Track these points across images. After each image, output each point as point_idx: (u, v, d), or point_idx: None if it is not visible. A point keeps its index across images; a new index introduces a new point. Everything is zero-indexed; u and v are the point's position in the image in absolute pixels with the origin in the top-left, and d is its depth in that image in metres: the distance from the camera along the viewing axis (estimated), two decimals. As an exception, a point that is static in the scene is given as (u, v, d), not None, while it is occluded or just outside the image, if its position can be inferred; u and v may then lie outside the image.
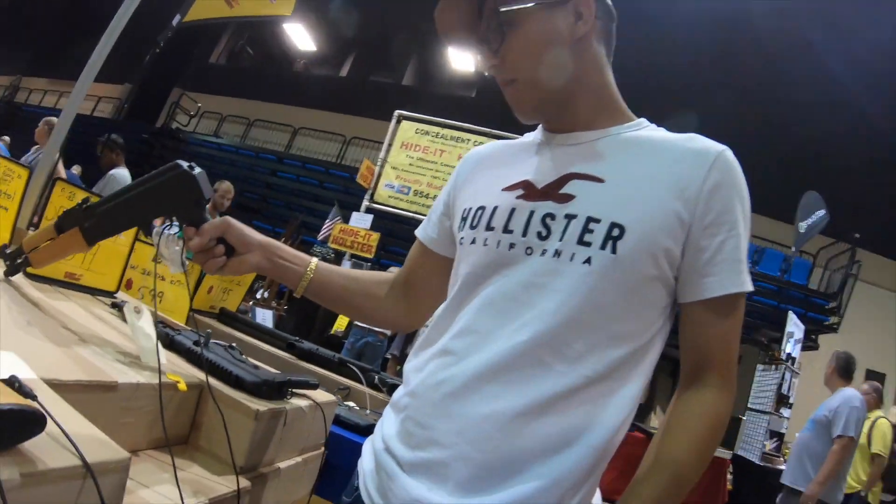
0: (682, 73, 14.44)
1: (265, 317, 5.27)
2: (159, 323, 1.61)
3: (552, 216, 1.01)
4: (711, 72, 14.33)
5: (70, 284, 1.89)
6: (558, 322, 0.96)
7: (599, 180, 1.02)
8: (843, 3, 12.46)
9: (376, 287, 1.35)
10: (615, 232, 0.96)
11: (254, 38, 22.01)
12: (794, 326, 8.45)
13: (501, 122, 7.82)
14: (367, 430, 1.46)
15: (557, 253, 0.99)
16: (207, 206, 1.23)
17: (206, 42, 21.12)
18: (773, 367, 7.75)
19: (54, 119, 5.93)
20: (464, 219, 1.14)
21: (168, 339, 1.52)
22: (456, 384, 0.99)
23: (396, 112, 9.22)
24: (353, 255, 8.51)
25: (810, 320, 11.38)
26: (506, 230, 1.05)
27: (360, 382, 2.31)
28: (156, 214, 1.22)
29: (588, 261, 0.96)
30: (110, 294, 1.99)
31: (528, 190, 1.07)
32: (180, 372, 1.27)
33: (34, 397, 0.71)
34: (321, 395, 1.55)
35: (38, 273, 1.78)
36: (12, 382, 0.73)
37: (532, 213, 1.03)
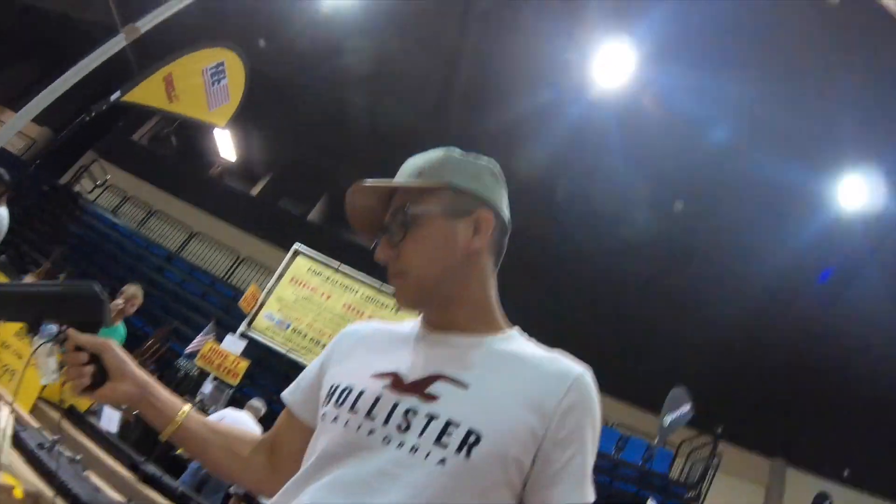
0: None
1: (112, 419, 5.00)
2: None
3: (414, 412, 1.04)
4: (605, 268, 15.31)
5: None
6: None
7: (464, 385, 1.06)
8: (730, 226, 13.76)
9: (241, 446, 1.31)
10: (472, 438, 0.99)
11: (181, 129, 21.82)
12: None
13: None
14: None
15: (414, 448, 1.01)
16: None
17: (135, 117, 20.77)
18: None
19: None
20: (330, 394, 1.15)
21: (13, 432, 1.46)
22: None
23: (295, 245, 9.39)
24: (216, 378, 8.37)
25: None
26: (368, 416, 1.06)
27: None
28: (50, 318, 1.18)
29: (443, 461, 0.99)
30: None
31: (396, 382, 1.09)
32: (20, 475, 1.30)
33: None
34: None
35: None
36: None
37: (396, 404, 1.06)
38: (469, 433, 1.00)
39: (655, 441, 12.51)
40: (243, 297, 9.21)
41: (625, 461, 13.20)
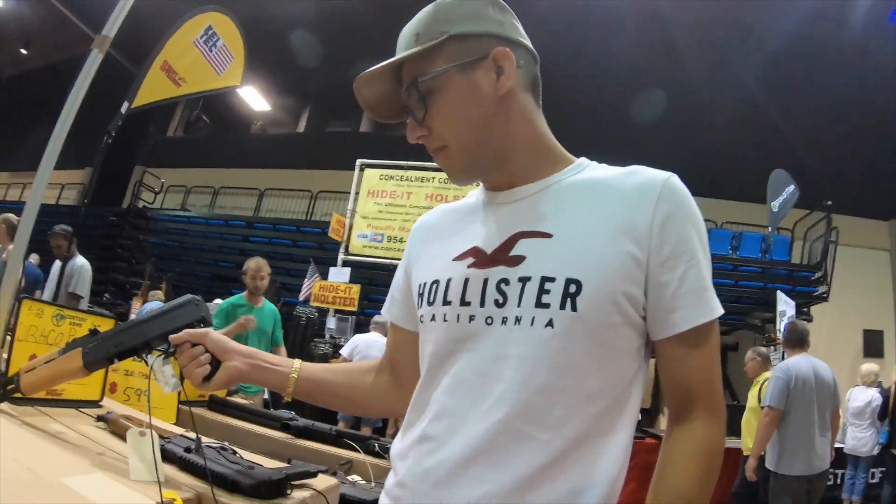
0: (630, 69, 14.70)
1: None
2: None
3: (506, 281, 0.98)
4: (657, 67, 14.55)
5: (53, 401, 1.86)
6: (531, 392, 0.93)
7: (547, 235, 0.99)
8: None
9: (363, 376, 1.31)
10: (572, 288, 0.93)
11: (208, 106, 21.94)
12: (785, 304, 8.51)
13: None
14: (375, 506, 1.44)
15: (518, 320, 0.95)
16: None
17: (161, 116, 21.07)
18: (772, 347, 7.72)
19: (12, 216, 5.89)
20: (420, 295, 1.11)
21: (158, 448, 1.49)
22: (441, 472, 0.96)
23: (358, 161, 9.26)
24: (336, 311, 8.46)
25: (799, 294, 11.47)
26: (463, 302, 1.02)
27: (360, 453, 2.27)
28: (157, 337, 1.27)
29: (550, 323, 0.93)
30: (95, 404, 1.96)
31: (479, 257, 1.04)
32: (175, 485, 1.25)
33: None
34: (323, 482, 1.52)
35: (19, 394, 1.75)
36: None
37: (486, 280, 1.00)
38: (568, 283, 0.93)
39: (769, 230, 12.22)
40: (330, 228, 9.15)
41: (744, 258, 12.92)
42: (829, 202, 12.15)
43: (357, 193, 9.26)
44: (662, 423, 11.75)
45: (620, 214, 0.97)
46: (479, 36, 1.03)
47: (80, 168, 18.08)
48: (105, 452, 1.46)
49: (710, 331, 0.99)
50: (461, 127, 1.03)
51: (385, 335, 6.95)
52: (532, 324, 0.94)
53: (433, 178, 9.00)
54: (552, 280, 0.94)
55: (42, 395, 1.85)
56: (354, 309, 8.34)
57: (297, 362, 1.27)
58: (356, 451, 2.29)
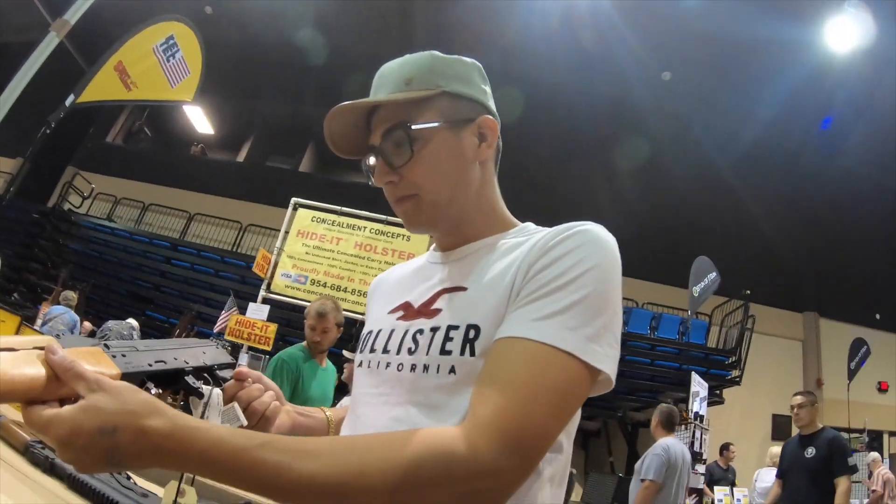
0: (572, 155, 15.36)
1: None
2: (39, 443, 1.48)
3: (421, 331, 0.99)
4: (597, 152, 15.25)
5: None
6: None
7: (463, 289, 1.01)
8: (717, 88, 13.55)
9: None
10: (471, 334, 0.92)
11: (152, 119, 21.66)
12: (698, 385, 8.76)
13: (395, 214, 8.08)
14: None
15: (426, 367, 0.95)
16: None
17: (103, 120, 20.61)
18: (683, 426, 7.97)
19: None
20: (361, 344, 1.13)
21: (48, 462, 1.42)
22: None
23: (293, 199, 9.27)
24: (250, 348, 8.36)
25: (713, 377, 11.91)
26: (384, 350, 1.03)
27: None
28: (200, 368, 1.08)
29: (452, 369, 0.92)
30: None
31: (407, 310, 1.07)
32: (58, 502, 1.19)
33: None
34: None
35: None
36: None
37: (406, 331, 1.02)
38: (468, 329, 0.93)
39: (688, 314, 12.76)
40: (255, 263, 9.09)
41: (662, 339, 13.42)
42: (748, 291, 12.82)
43: (287, 232, 9.23)
44: (571, 496, 11.94)
45: (524, 256, 0.96)
46: (470, 100, 1.07)
47: (13, 158, 17.47)
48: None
49: (534, 352, 0.85)
50: (440, 181, 1.04)
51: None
52: (437, 371, 0.94)
53: (364, 227, 9.05)
54: (456, 328, 0.95)
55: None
56: (268, 348, 8.23)
57: (327, 411, 1.26)
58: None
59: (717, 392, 12.38)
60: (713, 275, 12.49)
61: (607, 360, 0.88)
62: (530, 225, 1.11)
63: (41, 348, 0.75)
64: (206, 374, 1.08)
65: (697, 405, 8.49)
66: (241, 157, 20.72)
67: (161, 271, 15.04)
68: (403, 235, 8.66)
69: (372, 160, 1.08)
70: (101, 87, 5.83)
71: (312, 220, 9.27)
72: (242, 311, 9.29)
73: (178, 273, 14.91)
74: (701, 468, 7.89)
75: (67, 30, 4.47)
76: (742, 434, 12.94)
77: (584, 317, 0.87)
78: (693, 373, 9.05)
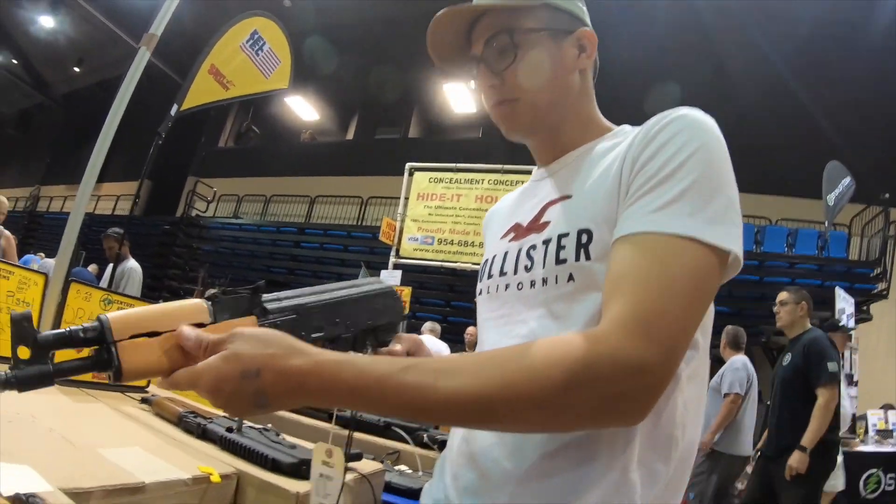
0: (680, 62, 14.48)
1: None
2: (191, 413, 1.56)
3: (533, 247, 0.99)
4: (709, 57, 14.30)
5: (98, 384, 1.84)
6: None
7: (568, 197, 1.00)
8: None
9: None
10: (583, 238, 0.91)
11: (258, 116, 22.43)
12: (844, 301, 8.20)
13: (510, 157, 7.85)
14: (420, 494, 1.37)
15: (544, 281, 0.94)
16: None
17: (212, 128, 21.58)
18: (847, 348, 7.39)
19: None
20: (480, 274, 1.13)
21: (200, 428, 1.48)
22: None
23: (408, 165, 9.25)
24: (387, 314, 8.47)
25: (858, 291, 10.95)
26: (501, 273, 1.04)
27: (409, 443, 2.21)
28: (365, 331, 1.03)
29: (571, 277, 0.90)
30: (142, 389, 1.94)
31: (517, 231, 1.07)
32: (214, 462, 1.21)
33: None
34: (366, 466, 1.48)
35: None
36: (20, 499, 0.68)
37: (519, 250, 1.02)
38: (580, 234, 0.91)
39: (825, 226, 11.85)
40: (381, 232, 9.14)
41: (800, 256, 12.55)
42: (887, 195, 11.81)
43: (407, 198, 9.22)
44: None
45: (626, 152, 0.92)
46: (569, 13, 1.06)
47: (136, 180, 18.64)
48: (146, 430, 1.44)
49: (657, 244, 0.80)
50: (541, 85, 1.04)
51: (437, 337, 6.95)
52: (556, 281, 0.92)
53: (482, 179, 8.91)
54: (566, 235, 0.93)
55: (88, 378, 1.83)
56: (406, 312, 8.31)
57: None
58: (405, 441, 2.23)
59: (864, 308, 11.43)
60: (847, 180, 11.51)
61: (732, 240, 0.82)
62: (626, 126, 1.07)
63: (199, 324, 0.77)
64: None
65: (845, 321, 7.90)
66: (349, 136, 21.09)
67: (292, 255, 15.57)
68: (522, 182, 8.48)
69: (474, 71, 1.08)
70: (201, 91, 6.05)
71: (430, 182, 9.23)
72: (375, 280, 9.40)
73: (309, 254, 15.41)
74: (853, 391, 7.35)
75: (156, 42, 4.52)
76: (893, 349, 11.92)
77: (699, 201, 0.82)
78: (837, 288, 8.42)
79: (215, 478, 1.13)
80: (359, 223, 16.44)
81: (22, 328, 0.66)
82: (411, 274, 9.21)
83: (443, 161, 9.48)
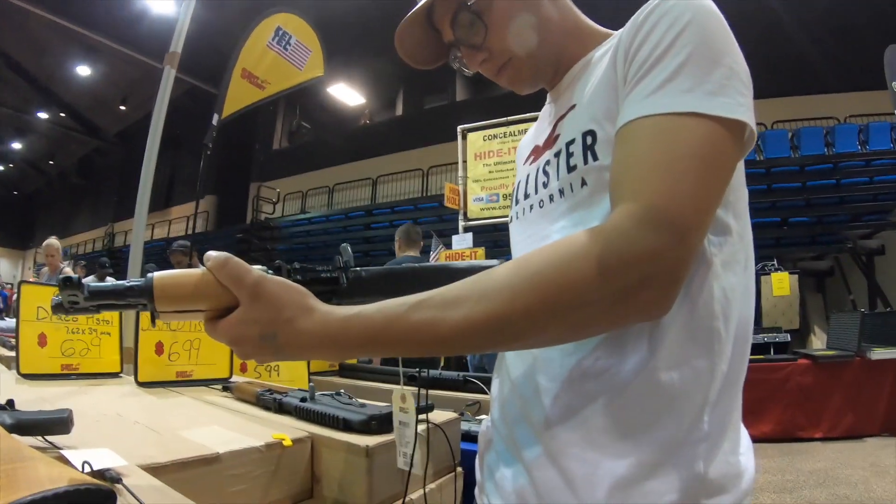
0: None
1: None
2: (267, 391, 1.63)
3: (548, 162, 0.99)
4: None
5: (182, 383, 1.94)
6: None
7: (572, 108, 0.99)
8: None
9: None
10: (588, 140, 0.89)
11: (305, 112, 22.73)
12: None
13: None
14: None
15: (561, 192, 0.94)
16: None
17: (263, 133, 22.05)
18: None
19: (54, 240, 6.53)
20: (511, 204, 1.13)
21: (276, 403, 1.55)
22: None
23: (459, 127, 9.22)
24: (467, 277, 8.54)
25: None
26: (525, 196, 1.05)
27: (487, 393, 2.24)
28: None
29: (583, 182, 0.89)
30: (224, 380, 2.03)
31: (536, 152, 1.07)
32: (288, 430, 1.28)
33: (118, 480, 0.74)
34: (439, 416, 1.50)
35: (148, 379, 1.85)
36: (96, 474, 0.75)
37: (538, 169, 1.03)
38: (584, 137, 0.90)
39: (895, 113, 11.17)
40: (445, 198, 9.17)
41: (875, 152, 11.81)
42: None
43: (464, 161, 9.22)
44: (814, 343, 11.08)
45: (617, 50, 0.88)
46: None
47: (203, 198, 19.21)
48: (225, 412, 1.51)
49: (657, 126, 0.77)
50: (522, 32, 1.01)
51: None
52: (572, 190, 0.91)
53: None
54: (572, 141, 0.92)
55: (172, 378, 1.94)
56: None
57: None
58: (485, 392, 2.26)
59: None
60: (914, 60, 10.81)
61: (738, 108, 0.76)
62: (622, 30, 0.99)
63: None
64: None
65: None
66: (398, 112, 21.14)
67: (364, 238, 15.80)
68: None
69: (458, 54, 1.07)
70: (238, 97, 6.11)
71: (484, 140, 9.19)
72: (448, 246, 9.44)
73: (380, 234, 15.61)
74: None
75: (177, 60, 4.67)
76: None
77: (696, 75, 0.78)
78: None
79: (287, 442, 1.19)
80: (423, 194, 16.54)
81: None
82: (484, 234, 9.22)
83: (496, 117, 9.43)
